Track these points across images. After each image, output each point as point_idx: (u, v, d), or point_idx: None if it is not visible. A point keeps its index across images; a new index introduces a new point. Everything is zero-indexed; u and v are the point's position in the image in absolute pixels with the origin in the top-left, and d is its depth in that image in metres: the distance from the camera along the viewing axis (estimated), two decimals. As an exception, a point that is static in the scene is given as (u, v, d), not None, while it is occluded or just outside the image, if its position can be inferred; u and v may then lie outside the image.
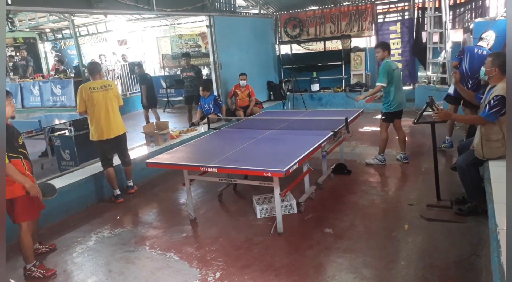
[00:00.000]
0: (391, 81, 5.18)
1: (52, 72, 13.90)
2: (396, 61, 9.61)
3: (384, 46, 5.37)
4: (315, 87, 10.53)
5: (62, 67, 13.10)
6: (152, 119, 8.42)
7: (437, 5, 8.69)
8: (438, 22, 8.65)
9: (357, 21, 10.17)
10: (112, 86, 4.90)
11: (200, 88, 7.43)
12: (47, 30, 15.91)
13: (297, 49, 11.44)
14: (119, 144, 5.00)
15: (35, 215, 3.42)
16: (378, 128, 5.50)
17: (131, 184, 5.23)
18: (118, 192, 4.99)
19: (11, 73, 13.47)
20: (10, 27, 9.55)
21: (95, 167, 5.29)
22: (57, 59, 14.30)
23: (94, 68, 4.92)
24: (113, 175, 4.94)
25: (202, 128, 6.91)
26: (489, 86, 3.68)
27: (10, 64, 14.03)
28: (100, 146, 4.86)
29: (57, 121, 7.46)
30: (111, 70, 12.50)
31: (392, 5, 10.21)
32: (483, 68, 3.76)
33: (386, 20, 10.21)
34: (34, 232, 3.67)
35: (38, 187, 3.30)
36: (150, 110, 8.95)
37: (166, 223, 4.29)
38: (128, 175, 5.19)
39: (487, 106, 3.46)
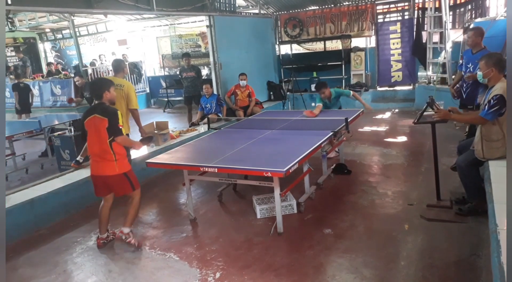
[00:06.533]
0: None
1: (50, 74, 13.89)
2: (396, 61, 9.70)
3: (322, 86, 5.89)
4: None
5: (54, 70, 13.12)
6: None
7: (437, 5, 8.70)
8: (438, 22, 8.66)
9: (357, 21, 10.16)
10: (124, 87, 5.00)
11: (206, 86, 7.45)
12: (47, 30, 15.92)
13: (297, 49, 11.44)
14: None
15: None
16: (379, 129, 5.46)
17: None
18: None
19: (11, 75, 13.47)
20: (10, 27, 9.56)
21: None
22: (48, 62, 14.40)
23: (118, 66, 5.16)
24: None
25: (202, 128, 6.90)
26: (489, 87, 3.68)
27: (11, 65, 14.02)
28: None
29: (57, 121, 7.47)
30: (110, 70, 12.51)
31: (392, 5, 10.21)
32: (479, 73, 3.68)
33: (386, 20, 10.21)
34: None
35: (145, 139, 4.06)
36: (23, 115, 9.44)
37: (166, 223, 4.29)
38: None
39: (487, 106, 3.45)
